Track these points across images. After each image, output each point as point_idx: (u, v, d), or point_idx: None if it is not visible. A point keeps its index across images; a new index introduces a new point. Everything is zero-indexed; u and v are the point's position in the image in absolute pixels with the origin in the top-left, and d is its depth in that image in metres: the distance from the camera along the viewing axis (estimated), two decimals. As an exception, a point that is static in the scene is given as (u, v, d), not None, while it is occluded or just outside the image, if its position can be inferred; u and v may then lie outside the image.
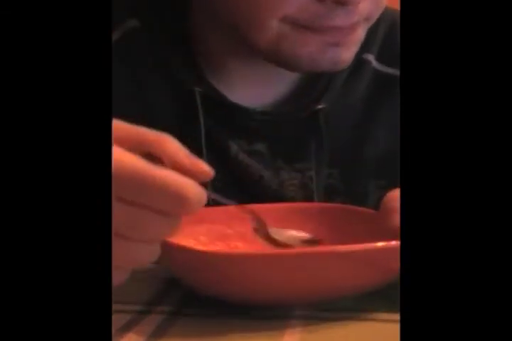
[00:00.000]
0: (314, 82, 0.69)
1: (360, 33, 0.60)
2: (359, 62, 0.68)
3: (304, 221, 0.59)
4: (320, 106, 0.68)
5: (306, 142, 0.68)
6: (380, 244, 0.45)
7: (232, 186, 0.68)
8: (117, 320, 0.46)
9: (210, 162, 0.64)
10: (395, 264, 0.38)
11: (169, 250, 0.46)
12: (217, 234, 0.57)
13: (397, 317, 0.36)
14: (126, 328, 0.46)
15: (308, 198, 0.69)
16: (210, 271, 0.45)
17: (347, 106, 0.70)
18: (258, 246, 0.54)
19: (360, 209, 0.59)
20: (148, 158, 0.38)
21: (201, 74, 0.67)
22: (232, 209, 0.59)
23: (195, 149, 0.64)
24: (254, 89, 0.69)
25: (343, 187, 0.70)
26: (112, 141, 0.37)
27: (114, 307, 0.36)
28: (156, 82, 0.67)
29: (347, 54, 0.60)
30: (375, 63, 0.71)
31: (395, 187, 0.45)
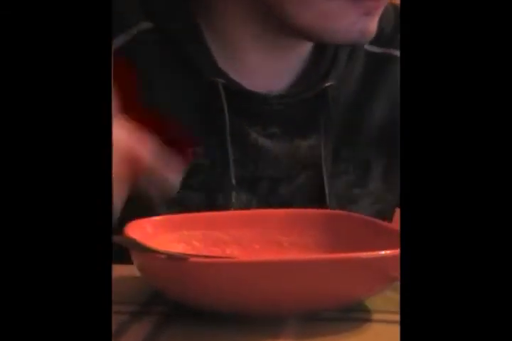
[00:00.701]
0: (319, 63, 0.73)
1: (385, 5, 0.64)
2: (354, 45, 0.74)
3: (307, 227, 0.58)
4: (328, 84, 0.72)
5: (316, 119, 0.72)
6: (382, 252, 0.44)
7: (253, 168, 0.71)
8: (113, 321, 0.44)
9: (234, 151, 0.69)
10: (396, 272, 0.37)
11: (151, 260, 0.45)
12: (213, 239, 0.56)
13: (396, 317, 0.36)
14: (123, 329, 0.45)
15: (318, 172, 0.72)
16: (189, 281, 0.45)
17: (348, 83, 0.75)
18: (254, 253, 0.53)
19: (364, 217, 0.58)
20: None
21: (218, 66, 0.69)
22: (229, 214, 0.58)
23: (220, 139, 0.69)
24: (264, 76, 0.72)
25: (348, 157, 0.74)
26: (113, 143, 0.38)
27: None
28: (174, 79, 0.69)
29: (373, 25, 0.64)
30: (366, 45, 0.76)
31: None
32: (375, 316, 0.48)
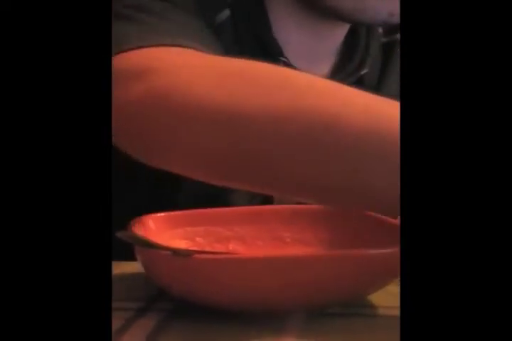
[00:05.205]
0: (354, 51, 0.78)
1: None
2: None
3: (309, 223, 0.58)
4: (363, 72, 0.77)
5: None
6: (388, 249, 0.44)
7: None
8: (117, 318, 0.45)
9: None
10: (396, 269, 0.37)
11: (155, 256, 0.45)
12: (216, 236, 0.56)
13: (397, 312, 0.35)
14: (127, 325, 0.45)
15: None
16: (194, 277, 0.45)
17: (376, 70, 0.81)
18: (257, 249, 0.53)
19: (365, 212, 0.57)
20: None
21: (279, 46, 0.73)
22: (232, 210, 0.58)
23: None
24: (307, 61, 0.75)
25: None
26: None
27: (114, 304, 0.36)
28: None
29: (397, 6, 0.66)
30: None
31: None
32: (379, 311, 0.48)
